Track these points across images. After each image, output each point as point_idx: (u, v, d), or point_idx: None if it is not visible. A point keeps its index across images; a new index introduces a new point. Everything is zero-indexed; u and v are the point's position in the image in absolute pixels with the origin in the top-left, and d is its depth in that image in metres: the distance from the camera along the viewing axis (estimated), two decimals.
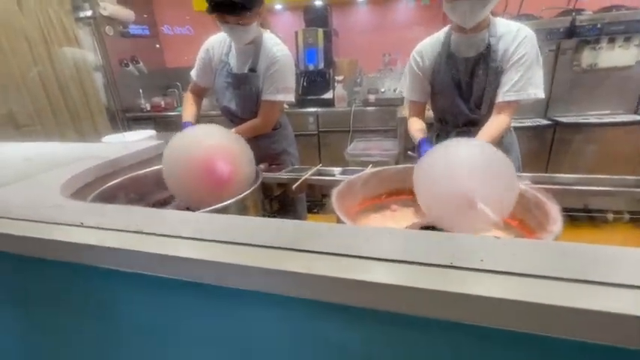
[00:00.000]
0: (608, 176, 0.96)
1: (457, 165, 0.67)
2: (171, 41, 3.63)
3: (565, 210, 0.64)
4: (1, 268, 0.73)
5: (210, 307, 0.56)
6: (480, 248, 0.43)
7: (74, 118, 2.59)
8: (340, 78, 2.72)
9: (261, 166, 1.22)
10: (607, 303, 0.34)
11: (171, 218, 0.63)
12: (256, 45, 1.33)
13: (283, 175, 1.20)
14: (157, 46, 3.61)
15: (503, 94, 1.10)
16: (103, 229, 0.59)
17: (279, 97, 1.34)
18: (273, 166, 1.33)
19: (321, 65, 2.66)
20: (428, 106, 1.38)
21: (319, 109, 2.71)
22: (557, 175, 1.02)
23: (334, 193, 0.76)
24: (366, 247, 0.46)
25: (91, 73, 2.74)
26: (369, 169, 0.96)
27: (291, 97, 1.38)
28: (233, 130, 1.32)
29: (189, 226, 0.57)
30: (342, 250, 0.46)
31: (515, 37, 1.08)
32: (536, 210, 0.68)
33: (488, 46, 1.10)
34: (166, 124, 3.11)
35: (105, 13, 2.76)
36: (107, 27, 2.90)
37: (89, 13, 2.68)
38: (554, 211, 0.61)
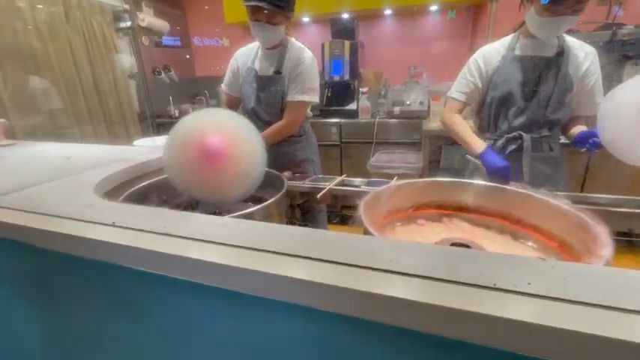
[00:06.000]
0: None
1: None
2: (201, 52, 3.77)
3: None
4: (33, 262, 0.75)
5: (234, 314, 0.55)
6: (527, 270, 0.40)
7: (108, 122, 2.72)
8: (365, 89, 2.72)
9: (285, 173, 1.22)
10: None
11: (199, 222, 0.63)
12: (282, 49, 1.38)
13: (307, 183, 1.19)
14: (187, 56, 3.76)
15: (590, 109, 1.18)
16: (132, 229, 0.60)
17: (305, 98, 1.36)
18: (297, 175, 1.32)
19: (347, 77, 2.68)
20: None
21: (342, 120, 2.71)
22: (600, 195, 0.95)
23: (362, 204, 0.74)
24: (402, 262, 0.43)
25: (126, 80, 2.88)
26: (396, 182, 0.93)
27: (316, 99, 1.41)
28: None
29: (217, 231, 0.57)
30: (375, 264, 0.43)
31: (587, 53, 1.15)
32: (581, 232, 0.63)
33: (562, 51, 1.14)
34: None
35: (143, 24, 2.92)
36: (144, 37, 3.05)
37: (129, 23, 2.84)
38: (603, 233, 0.56)
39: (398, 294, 0.38)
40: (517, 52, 1.20)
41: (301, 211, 1.39)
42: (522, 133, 1.21)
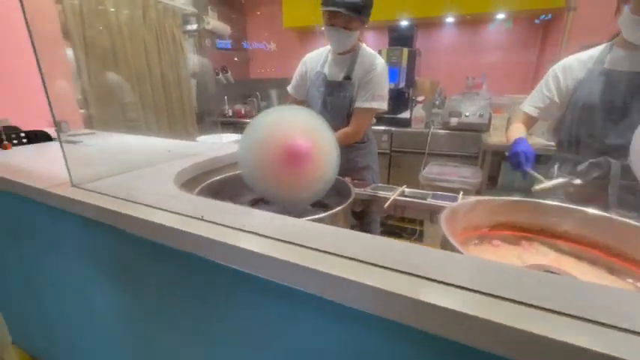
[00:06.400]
0: None
1: None
2: (256, 54, 3.91)
3: None
4: (124, 246, 0.80)
5: (308, 317, 0.54)
6: None
7: (170, 118, 2.90)
8: (421, 98, 2.64)
9: (346, 179, 1.20)
10: None
11: (280, 222, 0.63)
12: (353, 54, 1.37)
13: (369, 191, 1.17)
14: (236, 59, 3.89)
15: None
16: (220, 224, 0.61)
17: (374, 105, 1.34)
18: (356, 181, 1.30)
19: (402, 85, 2.62)
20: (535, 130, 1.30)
21: (394, 128, 2.65)
22: None
23: (442, 218, 0.70)
24: (501, 286, 0.39)
25: (188, 79, 3.06)
26: (475, 197, 0.88)
27: (384, 106, 1.38)
28: None
29: (300, 234, 0.57)
30: (476, 286, 0.40)
31: None
32: None
33: None
34: (244, 129, 3.32)
35: (208, 27, 3.09)
36: (207, 39, 3.23)
37: (195, 26, 3.02)
38: None
39: (513, 324, 0.34)
40: (607, 66, 1.07)
41: (356, 219, 1.36)
42: (610, 159, 1.08)
